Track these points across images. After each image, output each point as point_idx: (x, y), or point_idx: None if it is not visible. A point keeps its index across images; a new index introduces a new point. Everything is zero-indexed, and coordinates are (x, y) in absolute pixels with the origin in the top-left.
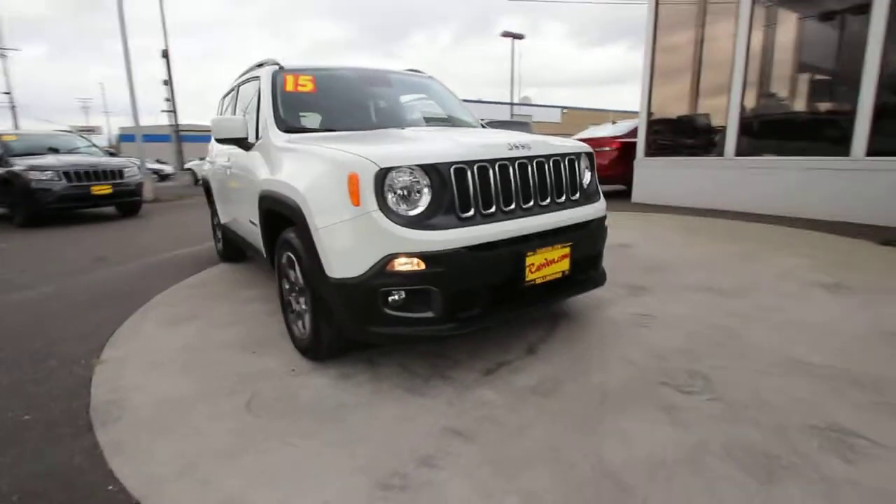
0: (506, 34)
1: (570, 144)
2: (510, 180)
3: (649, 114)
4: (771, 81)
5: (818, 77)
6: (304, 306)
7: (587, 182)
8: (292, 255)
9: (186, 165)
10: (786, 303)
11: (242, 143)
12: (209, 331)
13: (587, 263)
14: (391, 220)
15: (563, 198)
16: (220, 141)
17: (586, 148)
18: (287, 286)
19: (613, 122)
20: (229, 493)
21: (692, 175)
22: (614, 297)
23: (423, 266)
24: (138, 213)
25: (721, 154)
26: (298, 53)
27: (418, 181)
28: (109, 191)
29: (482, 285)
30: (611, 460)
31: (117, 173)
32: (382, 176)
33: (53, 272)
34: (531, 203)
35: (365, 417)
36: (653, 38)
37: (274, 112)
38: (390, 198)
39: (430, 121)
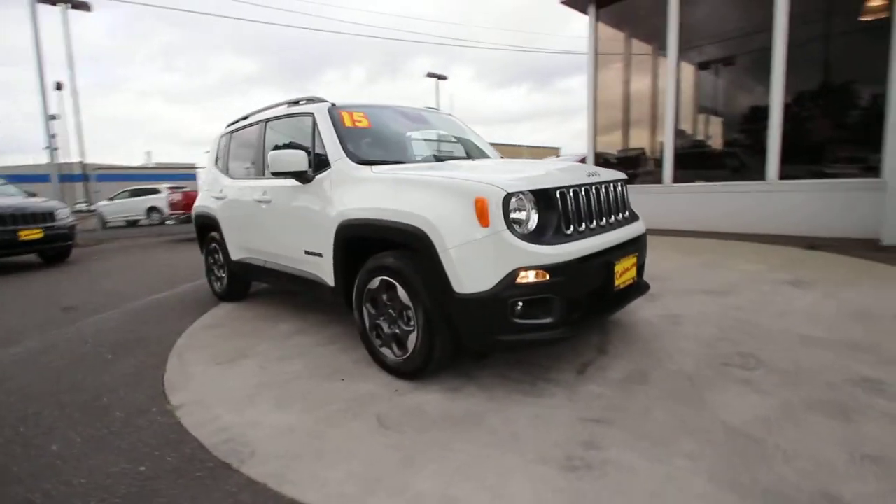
0: (430, 75)
1: (614, 172)
2: (592, 201)
3: (595, 149)
4: (696, 122)
5: (737, 116)
6: (406, 327)
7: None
8: (391, 279)
9: (92, 206)
10: (770, 297)
11: (302, 176)
12: (272, 366)
13: (641, 271)
14: (517, 237)
15: (622, 216)
16: (276, 174)
17: (624, 175)
18: (373, 311)
19: (558, 157)
20: (438, 494)
21: (637, 200)
22: (636, 304)
23: (546, 277)
24: (67, 260)
25: (660, 181)
26: (204, 87)
27: (533, 204)
28: (40, 235)
29: (586, 292)
30: (732, 423)
31: (48, 216)
32: (508, 200)
33: (23, 326)
34: (610, 220)
35: (501, 420)
36: (594, 89)
37: (343, 146)
38: (513, 218)
39: (470, 153)
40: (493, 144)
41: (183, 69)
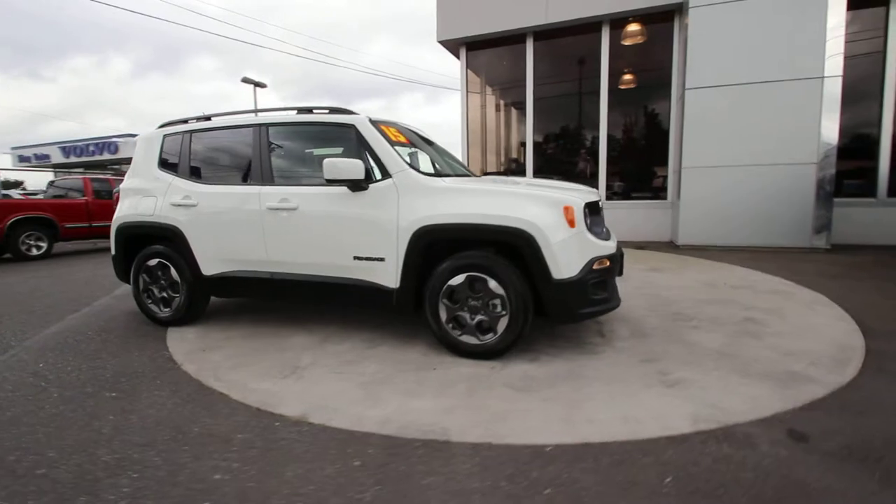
0: (246, 80)
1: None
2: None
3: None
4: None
5: (575, 149)
6: (494, 313)
7: None
8: (481, 274)
9: None
10: (649, 280)
11: (357, 185)
12: (348, 369)
13: None
14: (592, 235)
15: None
16: (330, 182)
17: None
18: (452, 305)
19: None
20: (619, 416)
21: None
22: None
23: (607, 263)
24: None
25: None
26: None
27: (587, 211)
28: None
29: (615, 275)
30: (708, 346)
31: None
32: (584, 207)
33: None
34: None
35: (591, 371)
36: (466, 121)
37: (401, 157)
38: (587, 222)
39: (458, 170)
40: None
41: None
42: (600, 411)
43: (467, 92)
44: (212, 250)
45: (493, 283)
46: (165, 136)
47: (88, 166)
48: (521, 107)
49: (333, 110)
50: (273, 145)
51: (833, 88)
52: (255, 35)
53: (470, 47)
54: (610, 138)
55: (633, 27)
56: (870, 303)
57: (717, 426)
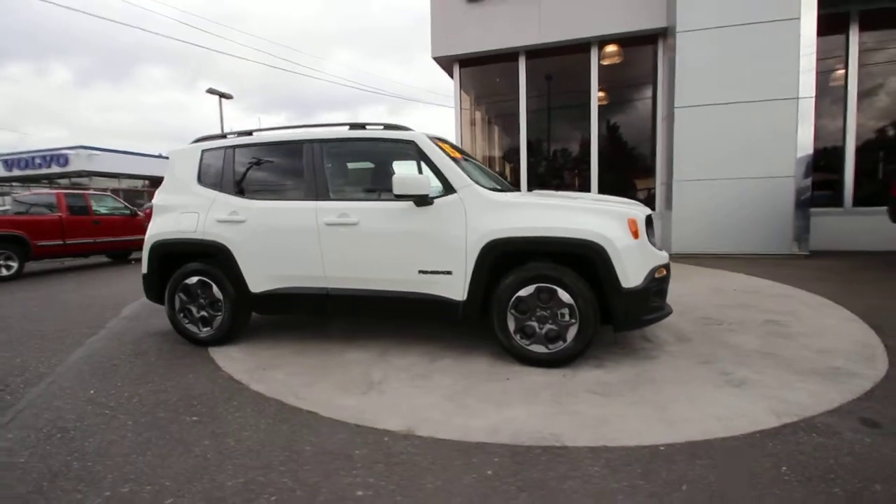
0: (211, 91)
1: None
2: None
3: None
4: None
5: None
6: (563, 322)
7: None
8: (551, 285)
9: None
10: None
11: (423, 200)
12: (424, 383)
13: None
14: (652, 245)
15: None
16: (398, 197)
17: None
18: (519, 316)
19: None
20: (702, 415)
21: None
22: None
23: (664, 272)
24: None
25: None
26: None
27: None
28: None
29: None
30: (744, 346)
31: None
32: (648, 219)
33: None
34: None
35: (659, 374)
36: (460, 134)
37: (465, 173)
38: (649, 233)
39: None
40: None
41: None
42: (689, 411)
43: (461, 107)
44: (261, 267)
45: (562, 293)
46: (204, 150)
47: (31, 180)
48: (512, 121)
49: (388, 126)
50: (324, 162)
51: (807, 108)
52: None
53: (463, 64)
54: (600, 153)
55: (612, 48)
56: (869, 304)
57: (798, 419)
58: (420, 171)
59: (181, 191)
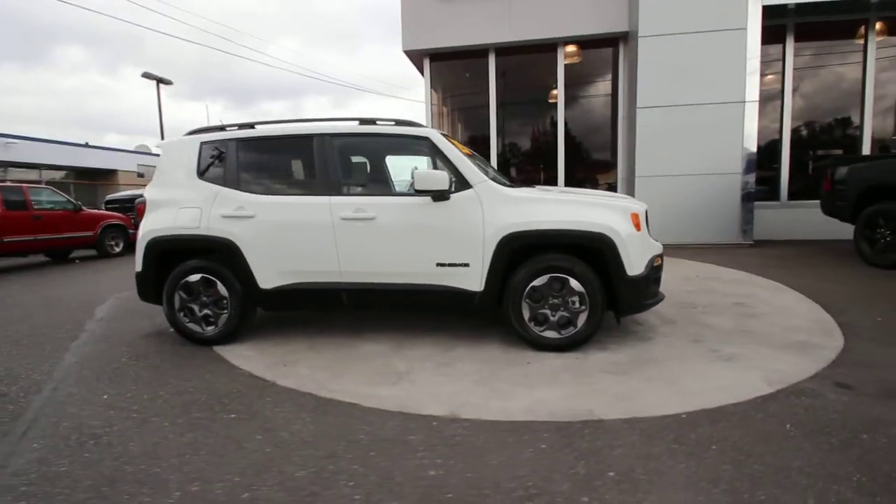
0: (148, 76)
1: None
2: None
3: None
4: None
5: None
6: (575, 309)
7: None
8: (563, 275)
9: None
10: None
11: (442, 195)
12: (448, 370)
13: None
14: (651, 237)
15: None
16: (419, 192)
17: None
18: (533, 304)
19: None
20: (710, 386)
21: None
22: None
23: (660, 261)
24: None
25: None
26: None
27: None
28: None
29: None
30: (720, 326)
31: None
32: (647, 213)
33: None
34: None
35: (658, 352)
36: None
37: (480, 169)
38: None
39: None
40: None
41: None
42: (695, 384)
43: (431, 102)
44: (272, 263)
45: (573, 282)
46: (203, 143)
47: None
48: (480, 115)
49: (399, 122)
50: (336, 156)
51: (752, 111)
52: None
53: (434, 58)
54: (567, 148)
55: (576, 49)
56: (813, 286)
57: (786, 385)
58: (435, 167)
59: (178, 185)
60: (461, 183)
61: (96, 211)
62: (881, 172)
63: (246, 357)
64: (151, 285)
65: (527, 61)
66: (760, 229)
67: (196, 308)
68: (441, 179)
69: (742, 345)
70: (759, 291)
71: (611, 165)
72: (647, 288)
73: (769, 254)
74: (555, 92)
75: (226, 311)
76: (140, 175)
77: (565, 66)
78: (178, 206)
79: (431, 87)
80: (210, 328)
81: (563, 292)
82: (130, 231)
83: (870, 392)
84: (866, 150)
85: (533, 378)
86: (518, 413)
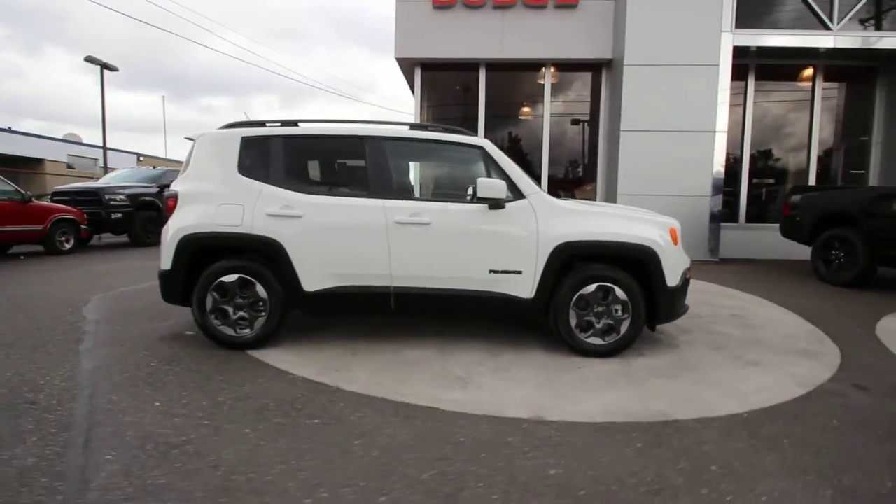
0: (90, 60)
1: None
2: None
3: None
4: None
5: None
6: (619, 316)
7: None
8: (609, 284)
9: None
10: None
11: (498, 203)
12: (510, 374)
13: None
14: (683, 251)
15: None
16: (481, 200)
17: None
18: (580, 311)
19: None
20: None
21: None
22: None
23: (689, 274)
24: None
25: None
26: None
27: None
28: None
29: None
30: (725, 331)
31: None
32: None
33: None
34: None
35: (690, 356)
36: None
37: (531, 179)
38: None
39: None
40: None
41: None
42: (739, 386)
43: (420, 110)
44: (319, 264)
45: (618, 291)
46: (245, 137)
47: None
48: (469, 128)
49: (447, 129)
50: (388, 160)
51: (721, 139)
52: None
53: (425, 68)
54: (550, 163)
55: (562, 71)
56: (791, 301)
57: (814, 387)
58: (489, 175)
59: (215, 179)
60: (514, 192)
61: (47, 203)
62: (831, 202)
63: (289, 362)
64: (181, 285)
65: (515, 78)
66: (722, 248)
67: (230, 310)
68: (501, 188)
69: (758, 351)
70: (748, 304)
71: (590, 182)
72: (681, 297)
73: (736, 270)
74: (540, 109)
75: (263, 314)
76: (70, 167)
77: (553, 85)
78: (216, 201)
79: (422, 97)
80: (244, 331)
81: (607, 301)
82: (83, 227)
83: (885, 392)
84: (812, 180)
85: (592, 382)
86: (597, 415)
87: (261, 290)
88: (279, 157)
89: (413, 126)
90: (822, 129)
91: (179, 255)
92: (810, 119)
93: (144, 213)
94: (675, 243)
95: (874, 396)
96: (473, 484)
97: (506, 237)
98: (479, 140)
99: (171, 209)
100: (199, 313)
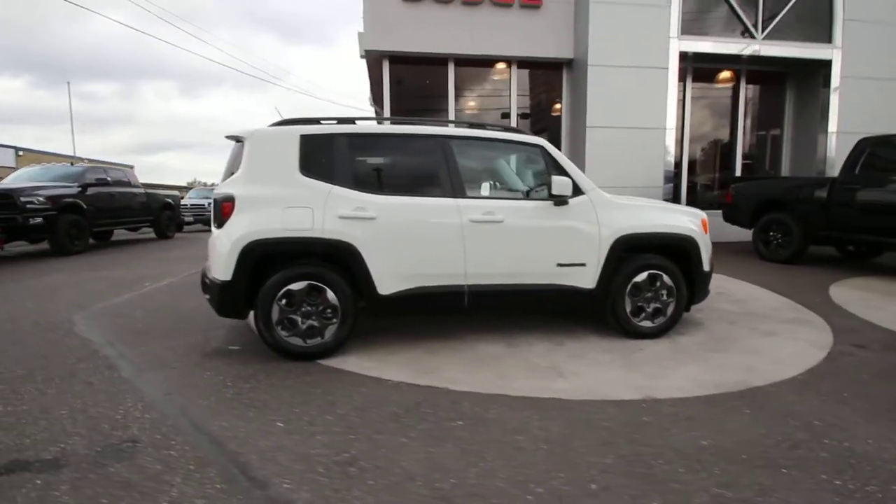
0: None
1: None
2: None
3: None
4: None
5: None
6: (666, 300)
7: None
8: (658, 271)
9: None
10: None
11: (564, 200)
12: (589, 356)
13: None
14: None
15: None
16: (553, 197)
17: None
18: (634, 297)
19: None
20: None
21: None
22: None
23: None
24: None
25: None
26: None
27: None
28: None
29: None
30: (727, 310)
31: None
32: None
33: None
34: None
35: (723, 335)
36: None
37: (587, 176)
38: None
39: None
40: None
41: None
42: (775, 353)
43: (391, 103)
44: (395, 267)
45: (666, 277)
46: (304, 136)
47: None
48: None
49: (506, 129)
50: (456, 160)
51: (670, 136)
52: None
53: (393, 61)
54: None
55: (526, 68)
56: (753, 278)
57: (829, 349)
58: (549, 173)
59: (276, 182)
60: (575, 189)
61: None
62: (768, 190)
63: (375, 368)
64: (242, 296)
65: (485, 73)
66: None
67: (298, 319)
68: (569, 186)
69: (763, 322)
70: (724, 282)
71: None
72: (710, 280)
73: None
74: (505, 104)
75: (334, 321)
76: None
77: (520, 81)
78: (281, 205)
79: (391, 92)
80: (313, 340)
81: (655, 287)
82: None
83: (880, 348)
84: (738, 171)
85: (665, 361)
86: (693, 389)
87: (332, 296)
88: (344, 156)
89: (472, 125)
90: (744, 126)
91: (243, 264)
92: (733, 117)
93: (69, 216)
94: (706, 232)
95: (874, 352)
96: (653, 461)
97: (572, 232)
98: (538, 139)
99: (227, 215)
100: (265, 325)
